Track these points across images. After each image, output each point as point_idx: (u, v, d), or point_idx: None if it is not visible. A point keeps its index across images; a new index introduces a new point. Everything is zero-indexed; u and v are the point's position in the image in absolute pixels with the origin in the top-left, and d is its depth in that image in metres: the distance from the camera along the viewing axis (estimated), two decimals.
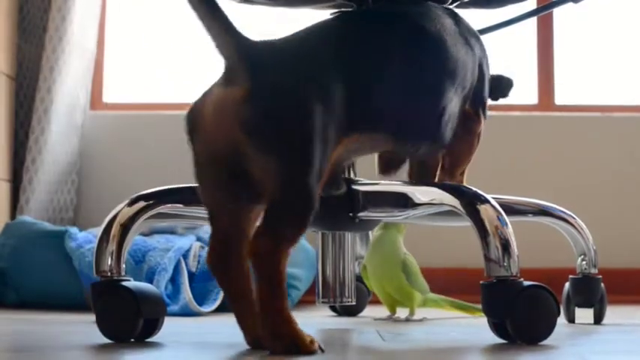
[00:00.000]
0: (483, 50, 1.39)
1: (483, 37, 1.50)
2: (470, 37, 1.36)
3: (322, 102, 1.09)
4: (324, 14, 1.62)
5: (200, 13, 1.10)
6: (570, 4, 1.56)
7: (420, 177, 1.40)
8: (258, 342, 1.13)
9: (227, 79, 1.10)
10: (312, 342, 1.06)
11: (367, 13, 1.36)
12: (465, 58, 1.31)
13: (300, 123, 1.07)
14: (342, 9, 1.60)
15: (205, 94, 1.12)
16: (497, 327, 1.23)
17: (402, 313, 1.82)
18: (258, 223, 1.09)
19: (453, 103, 1.29)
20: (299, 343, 1.05)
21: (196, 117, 1.11)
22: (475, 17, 1.58)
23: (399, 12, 1.30)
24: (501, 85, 1.44)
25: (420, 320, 1.77)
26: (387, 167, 1.40)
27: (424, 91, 1.25)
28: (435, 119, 1.27)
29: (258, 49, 1.11)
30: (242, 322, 1.16)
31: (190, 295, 1.98)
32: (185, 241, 2.18)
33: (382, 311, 1.90)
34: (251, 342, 1.15)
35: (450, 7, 1.43)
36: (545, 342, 1.20)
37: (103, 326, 1.26)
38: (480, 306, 1.91)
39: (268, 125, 1.06)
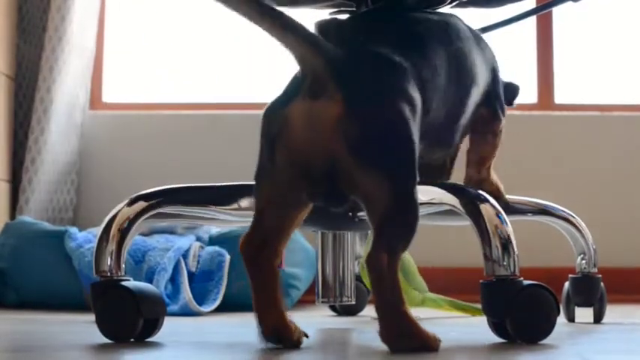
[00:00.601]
0: (492, 52, 1.40)
1: (483, 37, 1.50)
2: (480, 40, 1.36)
3: (412, 114, 1.13)
4: (323, 14, 1.62)
5: (266, 25, 1.11)
6: (570, 3, 1.56)
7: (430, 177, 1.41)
8: (276, 333, 1.15)
9: (314, 90, 1.10)
10: (435, 339, 1.10)
11: (402, 16, 1.33)
12: (481, 63, 1.32)
13: (404, 136, 1.10)
14: (342, 8, 1.60)
15: (288, 104, 1.13)
16: (497, 326, 1.23)
17: None
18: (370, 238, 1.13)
19: (471, 109, 1.31)
20: (427, 342, 1.09)
21: (282, 126, 1.12)
22: (475, 17, 1.58)
23: (433, 19, 1.30)
24: (507, 93, 1.43)
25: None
26: None
27: (457, 100, 1.28)
28: (457, 126, 1.28)
29: (344, 59, 1.12)
30: (262, 314, 1.16)
31: (190, 295, 1.98)
32: (185, 241, 2.18)
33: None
34: (269, 333, 1.16)
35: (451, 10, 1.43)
36: (544, 341, 1.20)
37: (103, 326, 1.25)
38: (479, 306, 1.92)
39: (375, 141, 1.09)
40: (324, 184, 1.10)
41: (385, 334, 1.09)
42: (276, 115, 1.14)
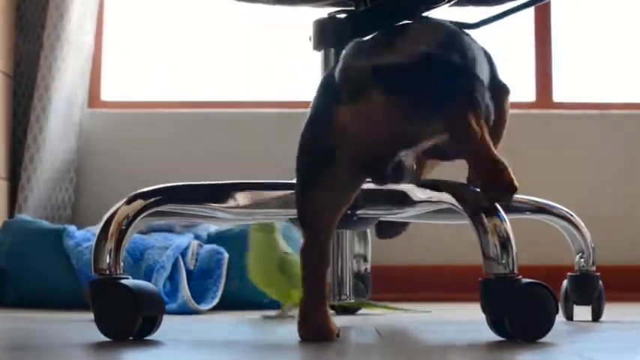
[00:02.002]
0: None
1: (480, 30, 1.50)
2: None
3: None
4: (322, 12, 1.62)
5: None
6: None
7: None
8: (318, 334, 1.21)
9: (357, 92, 1.16)
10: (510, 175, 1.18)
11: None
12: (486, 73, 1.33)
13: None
14: (341, 7, 1.60)
15: (330, 108, 1.19)
16: (495, 325, 1.23)
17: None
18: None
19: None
20: (509, 178, 1.19)
21: (339, 132, 1.18)
22: (472, 15, 1.58)
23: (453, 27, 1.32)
24: None
25: (293, 317, 1.78)
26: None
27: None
28: None
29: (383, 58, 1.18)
30: (308, 316, 1.22)
31: (188, 293, 1.98)
32: (183, 239, 2.18)
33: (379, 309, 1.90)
34: (310, 334, 1.22)
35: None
36: (543, 340, 1.20)
37: (102, 324, 1.25)
38: (366, 300, 1.97)
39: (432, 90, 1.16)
40: (389, 161, 1.17)
41: (480, 172, 1.18)
42: (325, 125, 1.19)
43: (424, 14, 1.45)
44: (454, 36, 1.25)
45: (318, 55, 1.65)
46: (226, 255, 2.12)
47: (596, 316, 1.67)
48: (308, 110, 1.23)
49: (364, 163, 1.19)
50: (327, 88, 1.21)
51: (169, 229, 2.31)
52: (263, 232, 1.80)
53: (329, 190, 1.21)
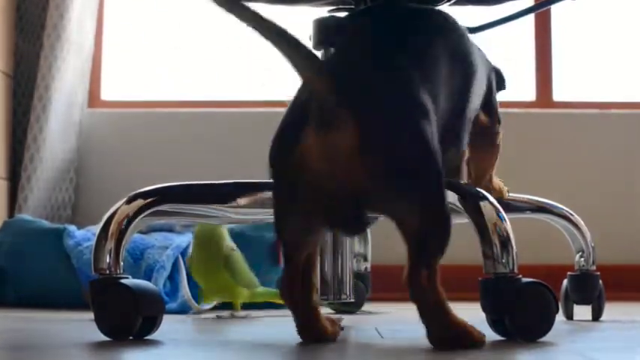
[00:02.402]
0: (489, 61, 1.39)
1: (480, 35, 1.50)
2: (477, 47, 1.36)
3: (431, 126, 1.10)
4: (322, 11, 1.62)
5: (282, 48, 1.10)
6: (568, 1, 1.56)
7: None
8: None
9: (326, 120, 1.05)
10: (480, 336, 1.12)
11: (402, 18, 1.29)
12: (481, 65, 1.32)
13: (429, 157, 1.08)
14: (340, 6, 1.60)
15: (299, 138, 1.07)
16: (495, 324, 1.23)
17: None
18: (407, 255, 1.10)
19: (474, 107, 1.31)
20: (475, 340, 1.11)
21: (299, 163, 1.08)
22: (473, 15, 1.58)
23: (433, 16, 1.29)
24: (498, 79, 1.44)
25: (244, 317, 1.77)
26: None
27: (461, 102, 1.26)
28: (464, 122, 1.28)
29: (353, 81, 1.09)
30: (305, 336, 1.19)
31: (189, 293, 1.98)
32: (183, 238, 2.18)
33: (380, 308, 1.90)
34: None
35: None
36: (543, 339, 1.20)
37: (102, 324, 1.25)
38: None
39: (400, 168, 1.06)
40: (348, 212, 1.07)
41: (436, 341, 1.10)
42: (289, 153, 1.09)
43: None
44: (424, 35, 1.21)
45: (318, 54, 1.65)
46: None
47: (597, 316, 1.67)
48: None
49: (322, 201, 1.08)
50: (297, 105, 1.12)
51: (169, 229, 2.31)
52: (208, 227, 1.78)
53: (300, 220, 1.13)
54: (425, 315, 1.10)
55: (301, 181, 1.08)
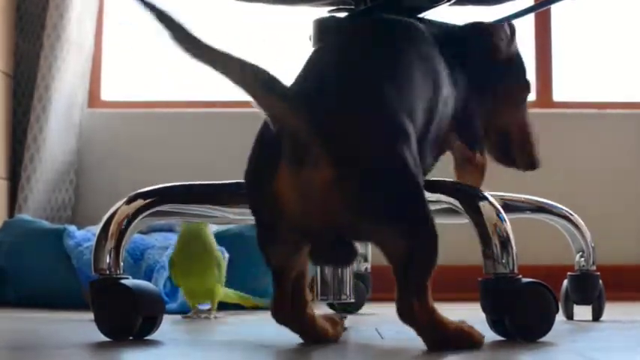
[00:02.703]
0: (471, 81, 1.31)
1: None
2: (455, 65, 1.28)
3: (409, 148, 1.07)
4: (321, 12, 1.62)
5: (244, 85, 1.03)
6: (568, 1, 1.56)
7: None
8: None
9: (298, 156, 1.01)
10: (478, 334, 1.12)
11: (373, 30, 1.26)
12: (447, 86, 1.25)
13: (409, 182, 1.06)
14: (340, 6, 1.60)
15: (272, 175, 1.04)
16: (495, 324, 1.23)
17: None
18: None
19: (437, 126, 1.23)
20: (473, 339, 1.11)
21: (274, 201, 1.04)
22: (473, 15, 1.58)
23: (404, 25, 1.26)
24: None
25: (215, 318, 1.78)
26: None
27: (424, 119, 1.20)
28: (428, 142, 1.22)
29: (325, 113, 1.04)
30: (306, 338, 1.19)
31: None
32: None
33: (380, 309, 1.90)
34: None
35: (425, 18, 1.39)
36: (543, 339, 1.20)
37: (101, 324, 1.25)
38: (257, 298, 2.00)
39: (379, 198, 1.03)
40: (329, 245, 1.05)
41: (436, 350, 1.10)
42: (264, 191, 1.05)
43: (423, 14, 1.45)
44: (398, 50, 1.17)
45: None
46: (226, 255, 2.12)
47: (597, 316, 1.67)
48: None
49: (302, 235, 1.06)
50: (266, 139, 1.08)
51: (170, 229, 2.31)
52: (195, 226, 1.77)
53: (281, 248, 1.12)
54: (422, 333, 1.09)
55: (279, 218, 1.05)
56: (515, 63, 1.38)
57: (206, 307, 1.87)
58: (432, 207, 1.35)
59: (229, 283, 2.12)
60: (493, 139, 1.38)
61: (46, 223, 2.34)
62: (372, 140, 1.05)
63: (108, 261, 1.28)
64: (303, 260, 1.16)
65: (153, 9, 1.05)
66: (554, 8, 2.94)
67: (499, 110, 1.36)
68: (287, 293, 1.16)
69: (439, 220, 1.57)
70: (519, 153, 1.40)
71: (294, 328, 1.18)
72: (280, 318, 1.17)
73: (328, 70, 1.15)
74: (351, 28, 1.28)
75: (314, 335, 1.19)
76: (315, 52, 1.25)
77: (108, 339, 1.24)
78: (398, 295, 1.08)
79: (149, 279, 2.01)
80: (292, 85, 1.13)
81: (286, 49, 2.94)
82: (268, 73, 1.02)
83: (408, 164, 1.06)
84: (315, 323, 1.19)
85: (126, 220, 1.30)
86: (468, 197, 1.27)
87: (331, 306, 1.99)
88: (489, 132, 1.36)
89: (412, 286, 1.07)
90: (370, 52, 1.19)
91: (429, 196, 1.32)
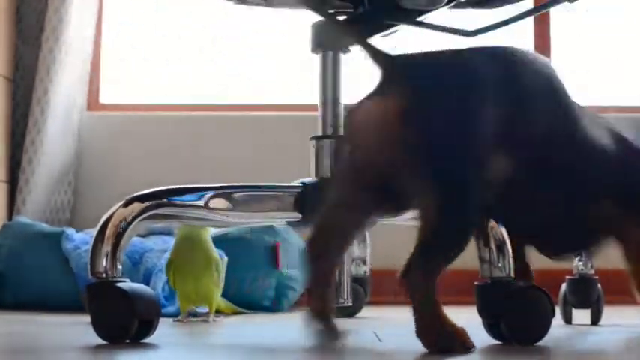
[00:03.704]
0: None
1: (480, 38, 1.49)
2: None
3: (485, 120, 1.05)
4: (319, 16, 1.61)
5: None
6: (566, 4, 1.56)
7: None
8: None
9: (383, 88, 1.06)
10: (469, 341, 1.08)
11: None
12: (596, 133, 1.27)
13: (462, 145, 1.03)
14: (339, 10, 1.60)
15: (361, 102, 1.08)
16: (491, 328, 1.23)
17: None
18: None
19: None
20: (465, 341, 1.07)
21: (347, 126, 1.09)
22: (472, 18, 1.58)
23: None
24: None
25: (216, 320, 1.78)
26: None
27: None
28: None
29: (416, 59, 1.08)
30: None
31: None
32: None
33: (379, 312, 1.90)
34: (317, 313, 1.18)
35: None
36: (541, 343, 1.20)
37: (98, 327, 1.25)
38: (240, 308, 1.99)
39: (432, 145, 1.02)
40: (382, 192, 1.06)
41: (425, 340, 1.08)
42: (346, 117, 1.10)
43: (422, 17, 1.45)
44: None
45: (317, 59, 1.65)
46: (225, 258, 2.12)
47: (595, 320, 1.67)
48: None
49: (362, 173, 1.08)
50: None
51: (168, 232, 2.31)
52: (194, 229, 1.76)
53: (346, 187, 1.12)
54: (414, 308, 1.06)
55: (347, 145, 1.08)
56: None
57: (204, 310, 1.87)
58: None
59: (227, 287, 2.12)
60: None
61: (45, 226, 2.34)
62: (453, 105, 1.04)
63: (105, 264, 1.28)
64: (346, 245, 1.16)
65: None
66: (553, 12, 2.94)
67: None
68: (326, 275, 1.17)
69: None
70: None
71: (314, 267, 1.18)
72: (311, 251, 1.16)
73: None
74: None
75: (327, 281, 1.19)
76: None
77: (105, 342, 1.24)
78: (409, 259, 1.05)
79: (147, 282, 2.01)
80: None
81: (286, 52, 2.94)
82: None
83: (476, 137, 1.04)
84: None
85: (123, 224, 1.30)
86: None
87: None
88: None
89: (422, 258, 1.04)
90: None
91: None
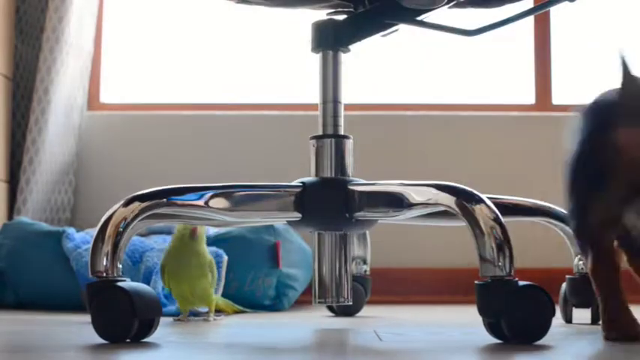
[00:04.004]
0: None
1: (480, 37, 1.49)
2: None
3: None
4: (320, 15, 1.62)
5: None
6: (566, 3, 1.56)
7: None
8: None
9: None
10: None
11: None
12: None
13: None
14: (339, 9, 1.60)
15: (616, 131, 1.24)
16: (492, 327, 1.23)
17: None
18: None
19: None
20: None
21: (616, 152, 1.25)
22: (472, 17, 1.58)
23: None
24: None
25: (217, 319, 1.77)
26: None
27: None
28: None
29: None
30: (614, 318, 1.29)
31: None
32: None
33: (379, 312, 1.90)
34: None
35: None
36: (542, 342, 1.20)
37: (98, 326, 1.25)
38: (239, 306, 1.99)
39: None
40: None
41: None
42: (605, 143, 1.25)
43: (422, 16, 1.45)
44: None
45: (317, 58, 1.65)
46: (225, 257, 2.12)
47: (595, 319, 1.67)
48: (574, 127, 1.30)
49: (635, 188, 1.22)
50: (597, 113, 1.30)
51: (168, 232, 2.31)
52: (188, 230, 1.75)
53: (611, 207, 1.25)
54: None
55: (618, 170, 1.24)
56: None
57: (204, 309, 1.87)
58: (429, 210, 1.35)
59: (227, 286, 2.13)
60: None
61: (45, 226, 2.34)
62: None
63: (105, 263, 1.28)
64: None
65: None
66: (553, 11, 2.94)
67: None
68: (604, 252, 1.31)
69: (436, 223, 1.58)
70: None
71: (606, 300, 1.30)
72: (600, 274, 1.31)
73: None
74: None
75: (621, 322, 1.29)
76: None
77: (105, 341, 1.24)
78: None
79: (148, 281, 2.01)
80: None
81: (285, 52, 2.94)
82: None
83: None
84: (625, 305, 1.29)
85: (123, 223, 1.30)
86: (465, 199, 1.26)
87: (330, 308, 2.00)
88: None
89: None
90: None
91: (426, 198, 1.32)
